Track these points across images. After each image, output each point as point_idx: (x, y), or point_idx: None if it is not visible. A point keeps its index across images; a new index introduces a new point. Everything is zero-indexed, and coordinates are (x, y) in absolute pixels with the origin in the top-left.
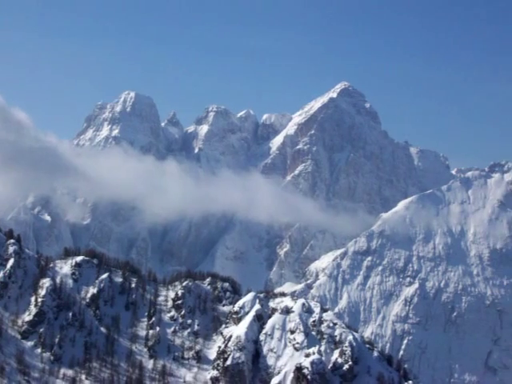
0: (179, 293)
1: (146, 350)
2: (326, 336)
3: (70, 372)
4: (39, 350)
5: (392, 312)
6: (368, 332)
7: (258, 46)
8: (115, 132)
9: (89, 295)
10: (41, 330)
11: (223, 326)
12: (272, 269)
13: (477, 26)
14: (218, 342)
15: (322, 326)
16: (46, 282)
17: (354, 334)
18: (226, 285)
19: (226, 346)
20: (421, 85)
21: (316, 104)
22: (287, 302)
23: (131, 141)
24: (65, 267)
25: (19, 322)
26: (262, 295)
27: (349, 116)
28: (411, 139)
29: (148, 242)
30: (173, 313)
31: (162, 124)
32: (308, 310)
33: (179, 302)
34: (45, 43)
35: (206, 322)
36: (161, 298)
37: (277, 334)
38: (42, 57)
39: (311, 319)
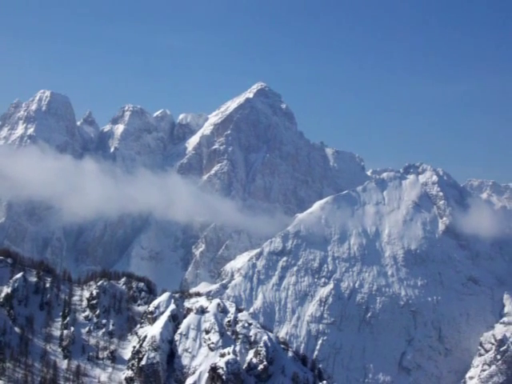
0: (94, 292)
1: (60, 350)
2: (240, 336)
3: None
4: None
5: (307, 312)
6: (283, 332)
7: (174, 46)
8: (30, 131)
9: (2, 295)
10: None
11: (138, 325)
12: (187, 269)
13: (400, 24)
14: (132, 342)
15: (237, 326)
16: None
17: (269, 334)
18: (141, 285)
19: (140, 346)
20: (336, 85)
21: (232, 104)
22: (202, 302)
23: (47, 139)
24: None
25: None
26: (177, 295)
27: (265, 116)
28: (327, 140)
29: (63, 241)
30: (87, 313)
31: (78, 123)
32: (223, 310)
33: (94, 301)
34: None
35: (120, 321)
36: (75, 298)
37: (192, 334)
38: None
39: (226, 319)
